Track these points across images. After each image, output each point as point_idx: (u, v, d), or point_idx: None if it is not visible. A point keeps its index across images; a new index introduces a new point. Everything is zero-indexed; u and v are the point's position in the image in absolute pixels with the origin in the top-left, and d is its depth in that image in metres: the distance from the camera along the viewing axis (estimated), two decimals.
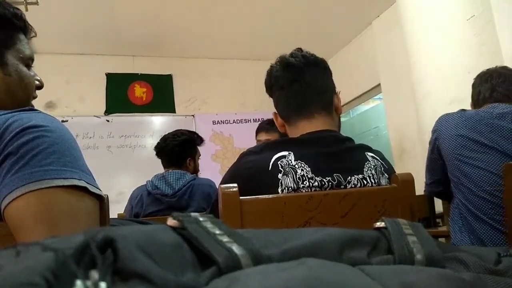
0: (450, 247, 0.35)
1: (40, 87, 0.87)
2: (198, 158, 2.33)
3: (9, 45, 0.79)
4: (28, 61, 0.83)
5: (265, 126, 2.55)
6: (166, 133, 2.32)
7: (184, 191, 2.05)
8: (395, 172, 1.07)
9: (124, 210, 2.23)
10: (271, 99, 1.14)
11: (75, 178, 0.62)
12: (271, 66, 1.12)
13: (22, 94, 0.80)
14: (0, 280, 0.21)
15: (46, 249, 0.23)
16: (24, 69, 0.82)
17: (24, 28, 0.84)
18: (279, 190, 0.92)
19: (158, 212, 2.01)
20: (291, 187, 0.92)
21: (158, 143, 2.24)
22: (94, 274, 0.21)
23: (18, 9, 0.83)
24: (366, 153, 1.02)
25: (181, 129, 2.33)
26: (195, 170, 2.28)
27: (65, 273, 0.21)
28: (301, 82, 1.06)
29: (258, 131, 2.66)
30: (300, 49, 1.11)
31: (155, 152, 2.25)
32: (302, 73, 1.06)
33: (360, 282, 0.26)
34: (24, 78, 0.81)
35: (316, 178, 0.93)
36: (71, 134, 0.69)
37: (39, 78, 0.87)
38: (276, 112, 1.13)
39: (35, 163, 0.60)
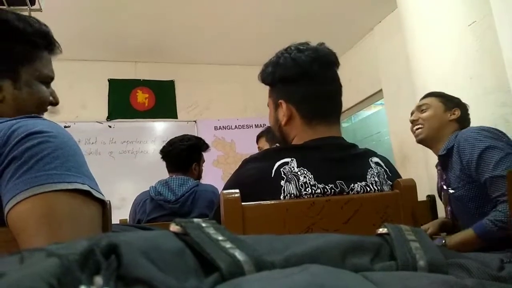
0: (453, 253, 0.35)
1: (54, 104, 0.87)
2: (202, 164, 2.33)
3: (24, 61, 0.79)
4: (45, 79, 0.83)
5: (266, 133, 2.57)
6: (168, 138, 2.32)
7: (186, 198, 2.04)
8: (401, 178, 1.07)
9: (129, 216, 2.23)
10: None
11: (79, 182, 0.62)
12: (306, 54, 1.00)
13: (31, 109, 0.80)
14: (4, 287, 0.21)
15: (51, 255, 0.23)
16: (39, 85, 0.81)
17: (48, 45, 0.83)
18: (282, 197, 0.92)
19: (161, 218, 2.00)
20: (293, 194, 0.91)
21: (164, 147, 2.24)
22: (98, 280, 0.21)
23: (45, 25, 0.82)
24: (370, 159, 1.02)
25: (187, 134, 2.32)
26: (199, 176, 2.28)
27: (70, 279, 0.21)
28: (337, 84, 1.03)
29: (258, 138, 2.67)
30: (324, 44, 1.06)
31: (160, 157, 2.25)
32: (336, 74, 1.04)
33: None
34: (35, 93, 0.81)
35: (318, 185, 0.93)
36: (75, 140, 0.70)
37: (55, 96, 0.87)
38: (289, 103, 1.03)
39: (39, 167, 0.61)
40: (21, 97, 0.78)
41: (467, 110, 1.81)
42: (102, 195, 0.66)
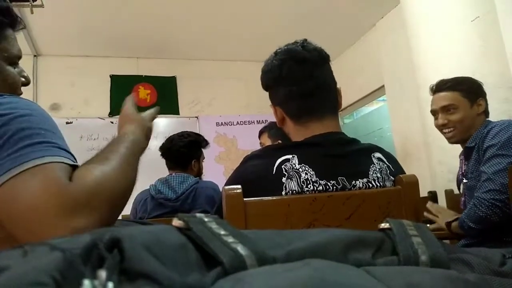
0: (455, 248, 0.35)
1: (26, 84, 0.85)
2: (202, 161, 2.33)
3: None
4: (14, 60, 0.81)
5: (268, 129, 2.57)
6: (170, 135, 2.32)
7: (187, 195, 2.04)
8: (405, 173, 1.06)
9: (130, 214, 2.23)
10: None
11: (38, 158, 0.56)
12: (277, 57, 1.03)
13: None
14: (9, 280, 0.21)
15: (54, 249, 0.23)
16: (8, 67, 0.79)
17: (12, 22, 0.80)
18: (283, 193, 0.92)
19: (162, 216, 2.00)
20: (295, 190, 0.91)
21: (163, 144, 2.23)
22: (102, 274, 0.22)
23: (5, 1, 0.79)
24: (372, 155, 1.01)
25: (187, 131, 2.32)
26: (199, 173, 2.28)
27: (73, 273, 0.21)
28: (317, 79, 1.01)
29: (261, 133, 2.68)
30: (306, 41, 1.06)
31: (159, 154, 2.25)
32: (317, 69, 1.02)
33: (365, 283, 0.26)
34: (7, 78, 0.78)
35: (320, 181, 0.93)
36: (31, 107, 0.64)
37: (25, 75, 0.85)
38: (277, 106, 1.06)
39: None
40: None
41: (485, 93, 1.73)
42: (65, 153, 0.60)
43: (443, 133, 1.75)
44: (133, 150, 0.70)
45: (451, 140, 1.73)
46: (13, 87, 0.80)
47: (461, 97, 1.69)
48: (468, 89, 1.71)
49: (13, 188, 0.53)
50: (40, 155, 0.56)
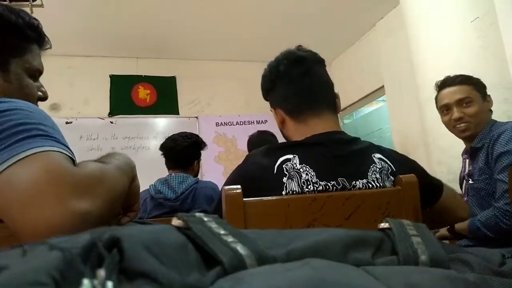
0: (454, 248, 0.35)
1: (43, 98, 0.86)
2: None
3: (15, 53, 0.78)
4: (34, 73, 0.83)
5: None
6: (170, 134, 2.32)
7: (186, 195, 2.05)
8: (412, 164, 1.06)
9: None
10: None
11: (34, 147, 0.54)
12: (274, 60, 1.08)
13: None
14: (8, 280, 0.21)
15: (53, 248, 0.23)
16: (27, 79, 0.81)
17: (38, 39, 0.83)
18: (283, 193, 0.92)
19: (161, 216, 2.01)
20: (295, 191, 0.91)
21: (165, 144, 2.22)
22: (101, 273, 0.22)
23: (35, 19, 0.82)
24: (373, 155, 1.01)
25: (186, 131, 2.32)
26: (197, 173, 2.29)
27: (72, 272, 0.21)
28: (311, 76, 1.06)
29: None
30: (301, 46, 1.11)
31: (159, 153, 2.24)
32: (314, 66, 1.07)
33: (364, 283, 0.26)
34: (24, 87, 0.80)
35: (320, 182, 0.93)
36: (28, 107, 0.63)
37: (44, 90, 0.86)
38: (277, 107, 1.09)
39: None
40: (10, 90, 0.77)
41: None
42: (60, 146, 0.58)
43: (455, 128, 1.69)
44: (125, 168, 0.70)
45: (465, 134, 1.66)
46: (29, 98, 0.80)
47: (475, 91, 1.65)
48: (479, 84, 1.68)
49: (11, 175, 0.51)
50: (40, 144, 0.55)
